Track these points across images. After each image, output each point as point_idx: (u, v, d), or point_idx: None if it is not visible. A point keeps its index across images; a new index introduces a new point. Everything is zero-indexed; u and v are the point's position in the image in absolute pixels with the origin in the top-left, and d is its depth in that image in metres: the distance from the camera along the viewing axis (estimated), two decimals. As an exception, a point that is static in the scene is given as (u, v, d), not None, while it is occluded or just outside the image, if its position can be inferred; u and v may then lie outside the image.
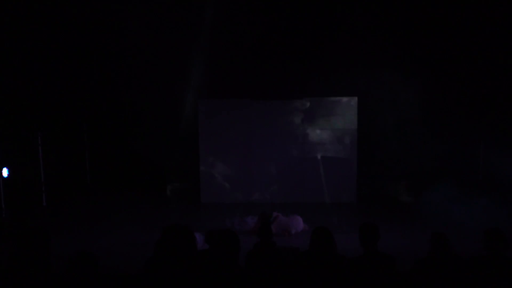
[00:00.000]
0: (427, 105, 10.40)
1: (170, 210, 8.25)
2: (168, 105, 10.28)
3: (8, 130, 7.71)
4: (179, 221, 4.42)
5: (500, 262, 3.19)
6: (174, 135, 10.05)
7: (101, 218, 7.64)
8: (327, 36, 8.89)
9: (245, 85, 9.85)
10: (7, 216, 7.41)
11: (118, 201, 8.85)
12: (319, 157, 8.64)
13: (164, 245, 2.90)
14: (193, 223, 6.46)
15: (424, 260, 3.31)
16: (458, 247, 3.45)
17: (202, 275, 2.88)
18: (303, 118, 8.59)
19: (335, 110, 8.59)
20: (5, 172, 7.32)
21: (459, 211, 7.61)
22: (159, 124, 10.30)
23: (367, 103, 9.54)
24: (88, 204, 8.78)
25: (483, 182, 9.18)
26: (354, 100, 8.55)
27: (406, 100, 9.94)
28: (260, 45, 9.23)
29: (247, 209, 8.04)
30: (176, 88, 9.89)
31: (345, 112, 8.57)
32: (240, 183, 8.71)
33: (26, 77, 8.06)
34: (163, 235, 2.93)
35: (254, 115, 8.66)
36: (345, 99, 8.65)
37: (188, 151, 9.74)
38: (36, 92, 8.34)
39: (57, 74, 8.80)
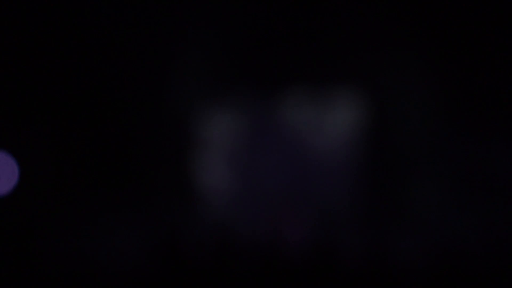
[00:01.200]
0: (432, 102, 10.37)
1: (169, 210, 8.26)
2: (168, 104, 10.32)
3: (8, 130, 7.73)
4: (178, 221, 4.42)
5: (500, 261, 3.19)
6: (173, 136, 10.07)
7: (100, 218, 7.65)
8: (326, 31, 8.85)
9: (244, 85, 9.88)
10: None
11: (118, 201, 8.86)
12: (319, 156, 8.65)
13: (162, 246, 2.92)
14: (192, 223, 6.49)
15: (424, 261, 3.31)
16: (460, 247, 3.45)
17: (202, 275, 2.89)
18: (303, 116, 8.60)
19: (335, 107, 8.60)
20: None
21: (464, 211, 7.63)
22: (158, 123, 10.33)
23: (368, 101, 9.54)
24: (88, 204, 8.79)
25: (487, 181, 9.14)
26: (355, 98, 8.56)
27: (413, 95, 9.92)
28: (258, 44, 9.24)
29: (247, 209, 8.06)
30: (175, 88, 9.92)
31: (346, 109, 8.57)
32: (240, 184, 8.72)
33: (26, 76, 8.08)
34: (161, 235, 2.95)
35: (253, 115, 8.67)
36: (345, 96, 8.65)
37: (188, 151, 9.76)
38: (36, 91, 8.36)
39: (56, 74, 8.82)
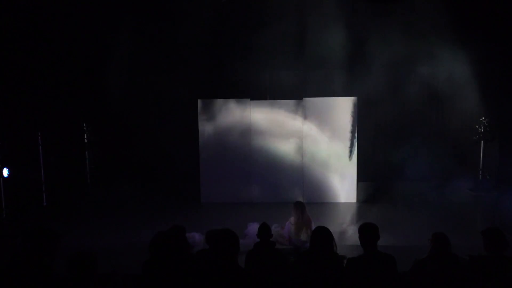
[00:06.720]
0: (427, 104, 10.39)
1: (170, 210, 8.24)
2: (168, 104, 10.29)
3: (8, 130, 7.70)
4: (179, 221, 4.41)
5: (500, 261, 3.19)
6: (173, 135, 10.05)
7: (100, 218, 7.65)
8: (325, 33, 8.85)
9: (245, 86, 9.87)
10: (7, 216, 7.42)
11: (118, 201, 8.85)
12: (319, 157, 8.64)
13: (158, 247, 2.93)
14: (193, 223, 6.49)
15: (424, 260, 3.31)
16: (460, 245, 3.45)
17: (201, 275, 2.88)
18: (303, 118, 8.58)
19: (334, 110, 8.57)
20: (5, 172, 7.33)
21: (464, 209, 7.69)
22: (158, 123, 10.31)
23: (366, 102, 9.55)
24: (88, 204, 8.77)
25: (485, 178, 9.18)
26: (354, 100, 8.53)
27: (407, 99, 9.95)
28: (258, 45, 9.24)
29: (247, 209, 8.06)
30: (175, 88, 9.90)
31: (345, 111, 8.55)
32: (240, 183, 8.70)
33: (26, 77, 8.07)
34: (156, 237, 2.96)
35: (253, 115, 8.65)
36: (344, 98, 8.63)
37: (188, 151, 9.74)
38: (36, 92, 8.34)
39: (57, 74, 8.80)
